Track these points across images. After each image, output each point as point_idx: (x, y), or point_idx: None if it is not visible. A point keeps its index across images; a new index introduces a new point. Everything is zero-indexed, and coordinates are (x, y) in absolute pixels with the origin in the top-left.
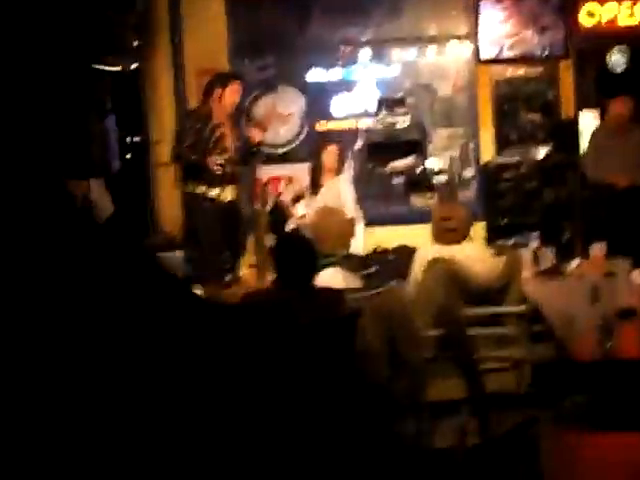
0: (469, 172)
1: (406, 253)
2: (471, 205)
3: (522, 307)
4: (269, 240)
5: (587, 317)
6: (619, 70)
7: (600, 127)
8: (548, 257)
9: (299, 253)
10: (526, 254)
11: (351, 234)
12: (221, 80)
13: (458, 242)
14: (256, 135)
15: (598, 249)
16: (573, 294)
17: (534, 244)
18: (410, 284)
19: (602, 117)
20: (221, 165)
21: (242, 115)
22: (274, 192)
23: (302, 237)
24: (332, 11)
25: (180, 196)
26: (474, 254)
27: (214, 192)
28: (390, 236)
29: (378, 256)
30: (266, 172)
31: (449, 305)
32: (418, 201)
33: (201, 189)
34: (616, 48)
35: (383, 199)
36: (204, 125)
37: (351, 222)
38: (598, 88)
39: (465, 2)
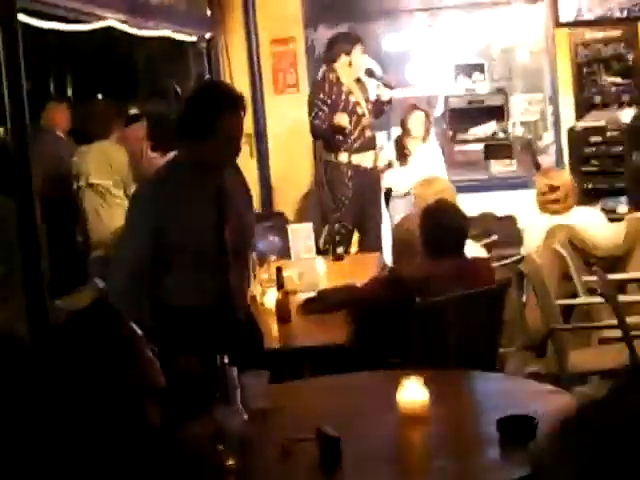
0: (549, 137)
1: (509, 221)
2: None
3: None
4: None
5: None
6: None
7: None
8: None
9: (453, 221)
10: None
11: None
12: (347, 42)
13: (565, 211)
14: (385, 94)
15: None
16: None
17: (622, 208)
18: (528, 253)
19: None
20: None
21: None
22: None
23: (452, 205)
24: None
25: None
26: (593, 221)
27: (356, 159)
28: (471, 203)
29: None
30: None
31: (574, 273)
32: (497, 168)
33: (343, 157)
34: None
35: (463, 166)
36: (335, 92)
37: (454, 190)
38: None
39: None
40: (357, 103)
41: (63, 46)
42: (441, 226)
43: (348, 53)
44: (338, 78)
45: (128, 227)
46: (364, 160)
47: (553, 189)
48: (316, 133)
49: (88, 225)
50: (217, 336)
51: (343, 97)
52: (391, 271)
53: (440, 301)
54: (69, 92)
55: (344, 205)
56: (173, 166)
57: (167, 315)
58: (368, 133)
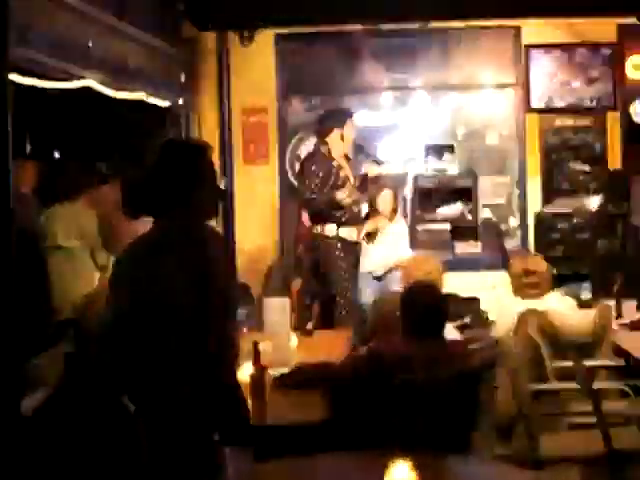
0: (515, 221)
1: (474, 303)
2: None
3: (620, 361)
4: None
5: None
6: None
7: None
8: (631, 309)
9: (428, 302)
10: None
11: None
12: (341, 116)
13: (539, 296)
14: (373, 170)
15: None
16: None
17: (586, 295)
18: (501, 337)
19: None
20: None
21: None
22: None
23: (432, 287)
24: (381, 55)
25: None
26: (564, 306)
27: (343, 232)
28: None
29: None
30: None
31: (546, 358)
32: (463, 249)
33: (330, 230)
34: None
35: (428, 245)
36: (327, 166)
37: (441, 271)
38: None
39: (515, 51)
40: (347, 177)
41: (36, 104)
42: (423, 307)
43: (341, 127)
44: (330, 152)
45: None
46: (351, 234)
47: (529, 273)
48: (314, 206)
49: (53, 288)
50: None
51: (334, 171)
52: (370, 348)
53: (420, 380)
54: (35, 149)
55: (329, 277)
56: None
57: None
58: (355, 208)
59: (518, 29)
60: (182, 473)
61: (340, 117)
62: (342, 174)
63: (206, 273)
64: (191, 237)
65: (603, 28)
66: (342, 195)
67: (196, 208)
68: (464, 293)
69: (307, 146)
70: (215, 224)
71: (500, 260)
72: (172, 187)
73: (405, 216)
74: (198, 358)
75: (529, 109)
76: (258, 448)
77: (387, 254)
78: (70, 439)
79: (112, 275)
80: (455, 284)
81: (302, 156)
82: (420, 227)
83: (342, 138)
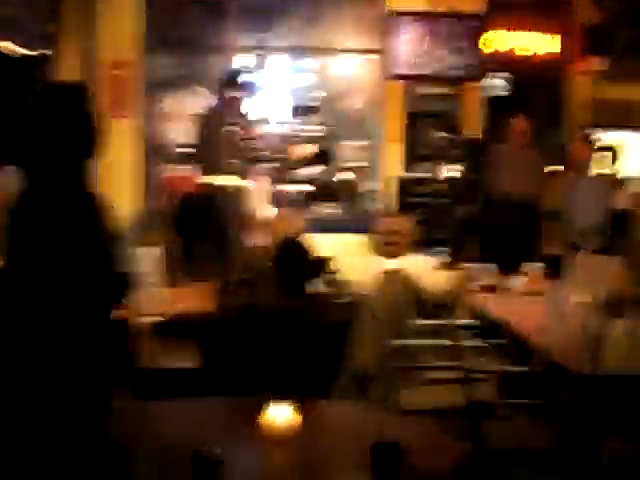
0: (377, 185)
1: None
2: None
3: (476, 320)
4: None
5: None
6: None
7: (501, 145)
8: (487, 273)
9: (296, 257)
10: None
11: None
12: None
13: (400, 255)
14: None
15: (535, 268)
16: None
17: (444, 258)
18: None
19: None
20: None
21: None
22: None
23: (299, 243)
24: (247, 15)
25: None
26: (424, 267)
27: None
28: None
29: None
30: (175, 172)
31: (410, 316)
32: (322, 209)
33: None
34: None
35: (289, 205)
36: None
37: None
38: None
39: (381, 17)
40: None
41: None
42: (292, 263)
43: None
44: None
45: None
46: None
47: (392, 232)
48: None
49: None
50: None
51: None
52: (242, 299)
53: (288, 330)
54: None
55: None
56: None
57: None
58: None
59: None
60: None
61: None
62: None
63: (91, 223)
64: (71, 187)
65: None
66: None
67: (74, 152)
68: (323, 253)
69: (171, 102)
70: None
71: (361, 222)
72: (46, 132)
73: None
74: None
75: (393, 75)
76: (137, 388)
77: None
78: None
79: (5, 237)
80: (314, 244)
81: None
82: (280, 187)
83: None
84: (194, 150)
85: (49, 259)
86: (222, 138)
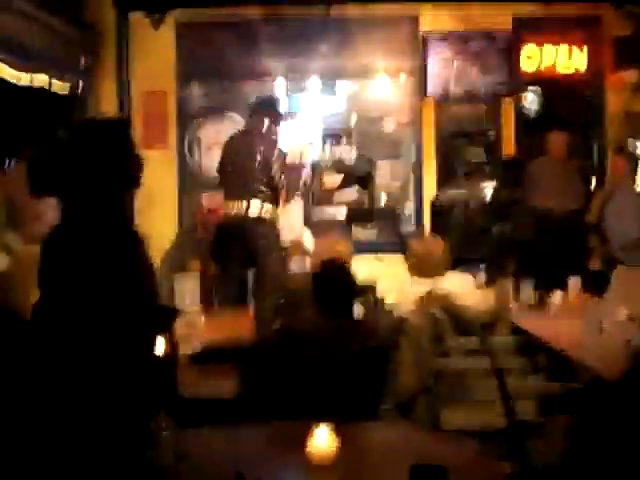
0: (411, 206)
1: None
2: (412, 237)
3: (516, 338)
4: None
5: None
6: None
7: (540, 159)
8: (527, 289)
9: (340, 281)
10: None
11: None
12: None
13: (437, 275)
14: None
15: (575, 284)
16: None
17: (481, 276)
18: (406, 316)
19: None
20: None
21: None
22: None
23: (342, 266)
24: (278, 41)
25: None
26: (461, 286)
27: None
28: None
29: None
30: (210, 200)
31: (447, 335)
32: (359, 232)
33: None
34: (529, 89)
35: (326, 229)
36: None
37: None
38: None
39: (413, 38)
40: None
41: None
42: (335, 287)
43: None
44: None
45: None
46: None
47: (427, 254)
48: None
49: None
50: None
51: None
52: (282, 326)
53: (330, 355)
54: None
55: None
56: None
57: None
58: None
59: (415, 17)
60: (117, 444)
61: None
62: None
63: (132, 255)
64: (112, 220)
65: (499, 18)
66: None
67: (116, 185)
68: (361, 275)
69: (206, 130)
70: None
71: (397, 244)
72: (93, 162)
73: (302, 199)
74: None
75: (425, 96)
76: (177, 418)
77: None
78: None
79: (41, 270)
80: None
81: (202, 139)
82: (317, 210)
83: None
84: (222, 176)
85: (86, 293)
86: (250, 164)
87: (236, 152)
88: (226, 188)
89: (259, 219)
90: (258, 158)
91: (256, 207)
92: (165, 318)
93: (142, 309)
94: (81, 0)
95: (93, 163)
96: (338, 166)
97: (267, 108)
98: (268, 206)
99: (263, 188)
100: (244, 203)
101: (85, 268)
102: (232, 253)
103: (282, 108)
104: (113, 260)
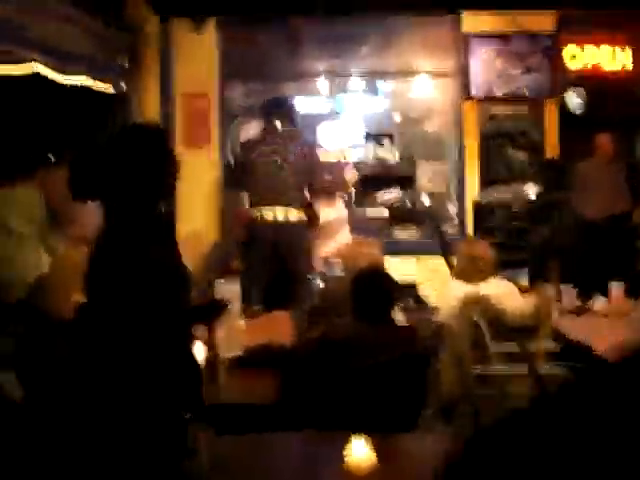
0: (453, 208)
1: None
2: (454, 240)
3: (556, 344)
4: None
5: None
6: (578, 112)
7: (587, 161)
8: (570, 294)
9: (379, 287)
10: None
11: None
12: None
13: (483, 280)
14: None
15: (618, 288)
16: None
17: (523, 280)
18: (446, 321)
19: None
20: None
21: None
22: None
23: (382, 271)
24: (320, 41)
25: None
26: (505, 291)
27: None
28: None
29: None
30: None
31: (488, 341)
32: (401, 234)
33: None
34: (572, 89)
35: (368, 230)
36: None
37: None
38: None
39: (454, 39)
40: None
41: None
42: (374, 292)
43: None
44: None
45: None
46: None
47: (476, 258)
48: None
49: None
50: None
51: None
52: (321, 332)
53: (371, 365)
54: None
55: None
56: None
57: None
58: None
59: (458, 17)
60: (155, 453)
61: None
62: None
63: (173, 255)
64: (153, 223)
65: (541, 18)
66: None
67: (156, 191)
68: (401, 277)
69: (246, 130)
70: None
71: (438, 246)
72: (135, 170)
73: (345, 202)
74: (169, 337)
75: (468, 97)
76: (217, 425)
77: (328, 238)
78: None
79: (88, 273)
80: (393, 268)
81: (241, 140)
82: (359, 212)
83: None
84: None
85: (129, 295)
86: (272, 168)
87: (258, 156)
88: (252, 194)
89: (288, 223)
90: (279, 161)
91: (282, 212)
92: (213, 311)
93: (179, 308)
94: (122, 3)
95: (131, 168)
96: (380, 167)
97: (275, 109)
98: (295, 209)
99: (290, 192)
100: (271, 209)
101: (128, 272)
102: (260, 257)
103: (293, 107)
104: (153, 260)
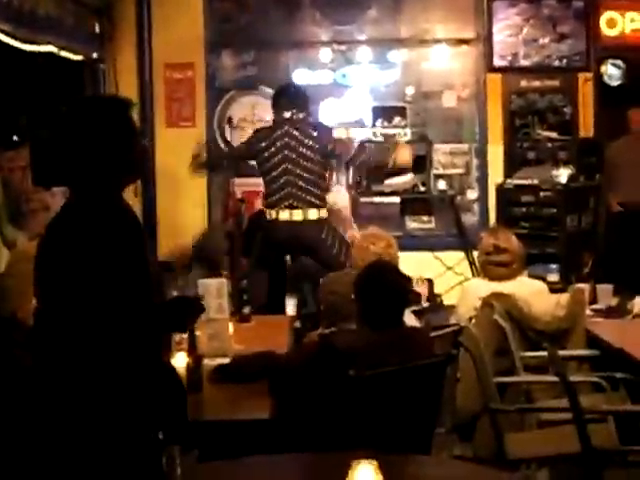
0: (474, 194)
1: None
2: (475, 231)
3: (594, 351)
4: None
5: None
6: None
7: (620, 141)
8: (606, 293)
9: (388, 287)
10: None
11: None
12: None
13: (512, 278)
14: None
15: None
16: None
17: (553, 277)
18: (466, 324)
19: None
20: None
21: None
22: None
23: (392, 268)
24: (323, 5)
25: None
26: (532, 290)
27: None
28: None
29: None
30: (239, 186)
31: (513, 348)
32: (415, 225)
33: None
34: (609, 60)
35: (374, 221)
36: None
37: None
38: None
39: (477, 1)
40: None
41: None
42: (382, 294)
43: None
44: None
45: None
46: None
47: (499, 251)
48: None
49: None
50: None
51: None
52: (321, 338)
53: (379, 374)
54: None
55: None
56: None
57: None
58: None
59: None
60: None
61: None
62: None
63: (140, 249)
64: (116, 210)
65: None
66: None
67: (119, 172)
68: (415, 274)
69: (238, 106)
70: (134, 196)
71: (456, 238)
72: (89, 150)
73: (349, 187)
74: (140, 341)
75: (491, 68)
76: (199, 447)
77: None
78: None
79: (37, 268)
80: (405, 264)
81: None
82: (365, 200)
83: None
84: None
85: (83, 296)
86: (294, 164)
87: (278, 150)
88: (268, 192)
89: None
90: (303, 153)
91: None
92: (184, 312)
93: (148, 304)
94: None
95: (90, 144)
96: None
97: (285, 98)
98: (315, 208)
99: (312, 189)
100: (288, 210)
101: (78, 266)
102: (271, 255)
103: (303, 93)
104: (114, 245)
